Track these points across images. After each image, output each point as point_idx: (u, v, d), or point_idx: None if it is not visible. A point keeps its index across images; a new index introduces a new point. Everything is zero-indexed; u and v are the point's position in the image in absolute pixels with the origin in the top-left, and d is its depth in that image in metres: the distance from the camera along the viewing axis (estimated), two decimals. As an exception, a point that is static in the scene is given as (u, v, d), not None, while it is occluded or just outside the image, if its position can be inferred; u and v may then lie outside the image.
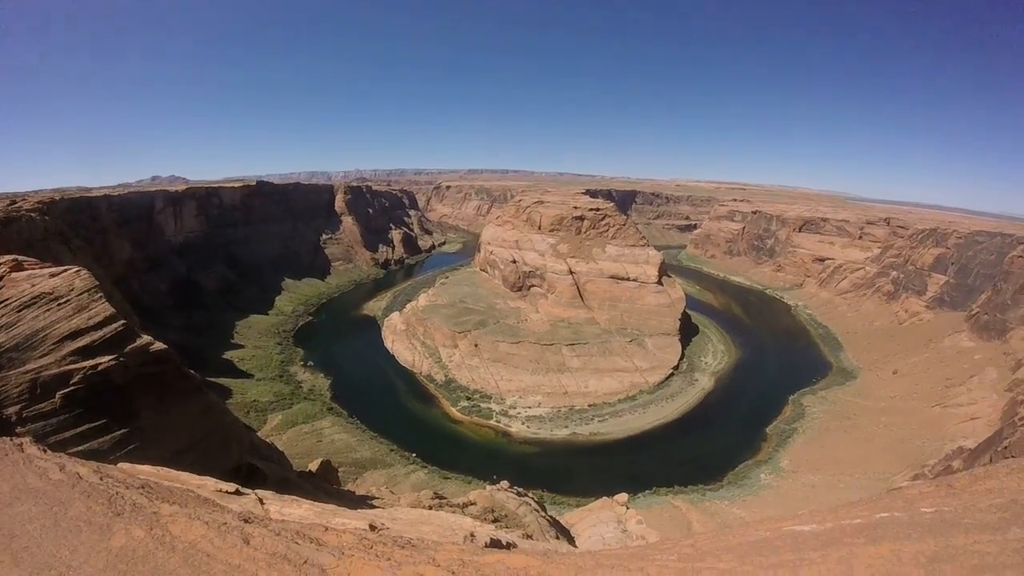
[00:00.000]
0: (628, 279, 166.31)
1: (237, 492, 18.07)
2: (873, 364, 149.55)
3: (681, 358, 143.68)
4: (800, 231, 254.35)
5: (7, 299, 24.76)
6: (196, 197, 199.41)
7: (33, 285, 25.81)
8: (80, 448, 23.02)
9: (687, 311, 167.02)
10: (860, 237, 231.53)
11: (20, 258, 29.39)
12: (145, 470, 16.70)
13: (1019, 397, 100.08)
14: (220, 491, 17.64)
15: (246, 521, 11.69)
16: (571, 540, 48.72)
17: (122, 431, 24.94)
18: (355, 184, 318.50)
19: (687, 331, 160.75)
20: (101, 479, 11.68)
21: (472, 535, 18.96)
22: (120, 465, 16.40)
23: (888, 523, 6.93)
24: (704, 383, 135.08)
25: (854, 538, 6.44)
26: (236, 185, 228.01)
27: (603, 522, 51.24)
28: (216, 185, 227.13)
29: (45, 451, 11.48)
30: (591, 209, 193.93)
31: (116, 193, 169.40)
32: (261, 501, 18.70)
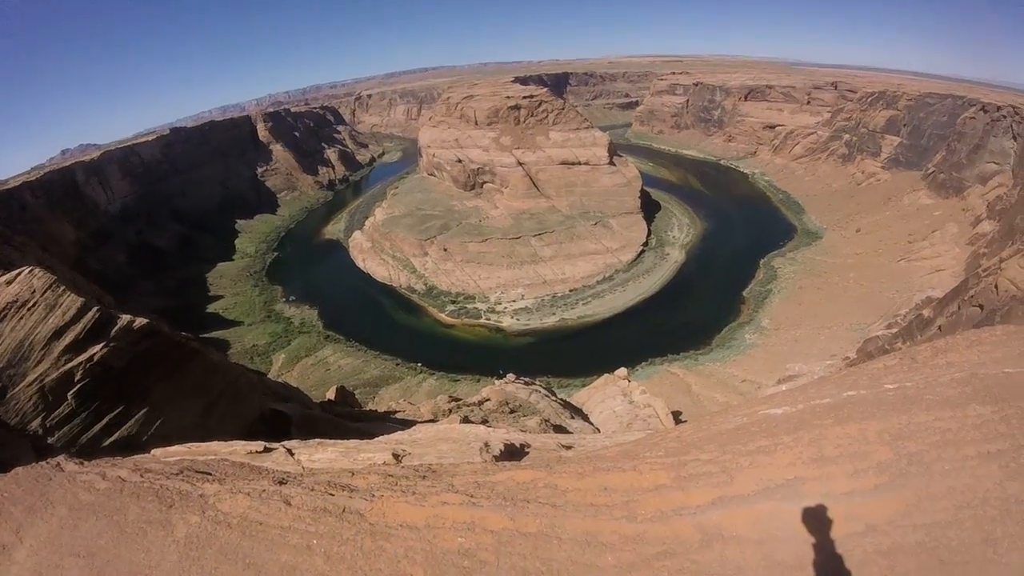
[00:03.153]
0: (580, 163, 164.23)
1: (266, 450, 18.97)
2: (836, 224, 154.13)
3: (649, 235, 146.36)
4: (746, 100, 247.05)
5: (-26, 319, 23.82)
6: (115, 160, 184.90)
7: (-6, 298, 24.63)
8: (113, 438, 23.71)
9: (645, 188, 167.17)
10: (808, 102, 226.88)
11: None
12: (177, 451, 17.42)
13: (980, 249, 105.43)
14: (251, 452, 18.52)
15: (281, 483, 12.52)
16: (585, 418, 53.25)
17: (143, 411, 25.52)
18: (272, 110, 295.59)
19: (649, 208, 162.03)
20: (142, 476, 12.25)
21: (487, 445, 20.54)
22: (153, 452, 17.02)
23: (855, 401, 7.26)
24: (676, 256, 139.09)
25: (823, 419, 6.83)
26: (150, 138, 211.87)
27: (610, 397, 55.73)
28: (130, 143, 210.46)
29: (82, 463, 11.83)
30: (525, 96, 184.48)
31: (34, 178, 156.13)
32: (290, 452, 19.82)
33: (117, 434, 24.34)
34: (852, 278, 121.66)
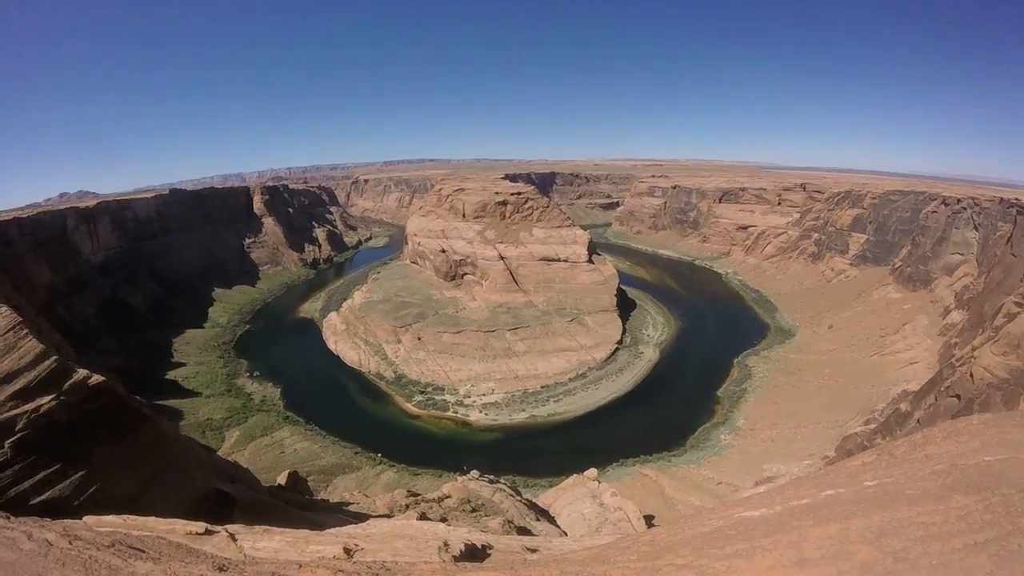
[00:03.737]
0: (559, 260, 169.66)
1: (207, 532, 17.56)
2: (808, 321, 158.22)
3: (623, 333, 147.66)
4: (720, 202, 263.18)
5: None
6: (109, 211, 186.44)
7: (-48, 331, 23.49)
8: (42, 497, 21.46)
9: (622, 287, 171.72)
10: (779, 203, 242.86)
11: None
12: (111, 521, 15.94)
13: (952, 339, 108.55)
14: (190, 533, 17.09)
15: (221, 570, 11.54)
16: (552, 520, 50.21)
17: (79, 474, 23.37)
18: (272, 184, 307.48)
19: (625, 306, 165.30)
20: (71, 543, 11.20)
21: (446, 544, 19.34)
22: (85, 519, 15.55)
23: (834, 501, 7.25)
24: (650, 355, 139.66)
25: (802, 520, 6.74)
26: (148, 195, 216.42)
27: (579, 499, 53.11)
28: (128, 197, 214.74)
29: (8, 518, 10.88)
30: (513, 193, 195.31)
31: (25, 215, 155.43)
32: (233, 537, 18.30)
33: (48, 493, 22.11)
34: (827, 375, 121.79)
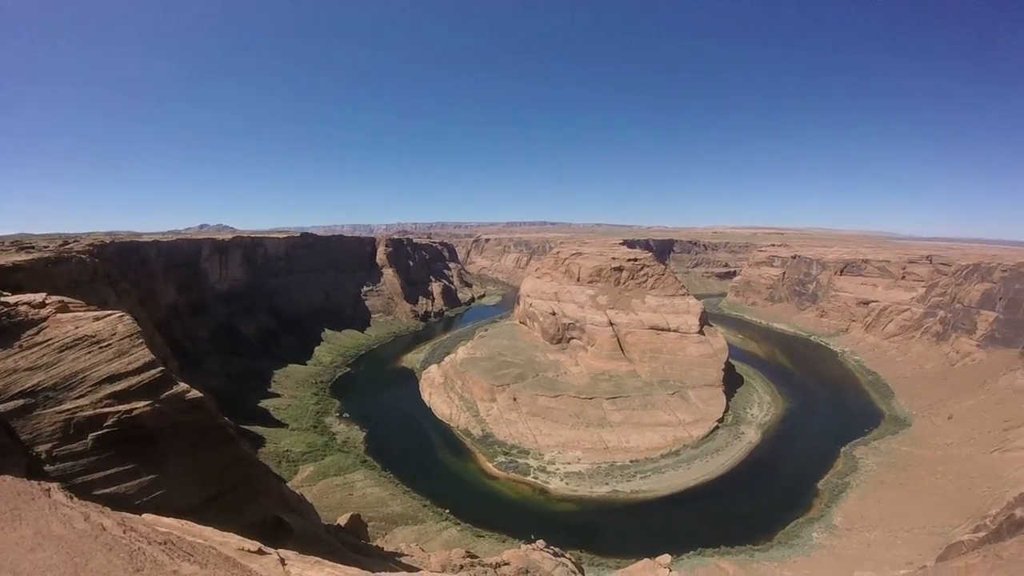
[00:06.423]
0: (669, 329, 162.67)
1: (260, 552, 17.48)
2: (926, 410, 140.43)
3: (726, 410, 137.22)
4: (841, 274, 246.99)
5: (50, 339, 25.74)
6: (242, 246, 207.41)
7: (77, 327, 26.81)
8: (106, 491, 22.92)
9: (730, 361, 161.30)
10: (903, 277, 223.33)
11: (66, 300, 30.81)
12: (169, 523, 16.44)
13: None
14: (243, 549, 17.10)
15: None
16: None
17: (150, 477, 24.81)
18: (396, 237, 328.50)
19: (731, 382, 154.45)
20: (124, 532, 11.51)
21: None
22: (144, 516, 16.19)
23: None
24: (750, 436, 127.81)
25: None
26: (281, 236, 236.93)
27: (645, 587, 47.26)
28: (262, 235, 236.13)
29: (72, 498, 11.46)
30: (629, 259, 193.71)
31: (165, 239, 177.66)
32: (283, 562, 18.06)
33: (112, 488, 23.50)
34: (940, 472, 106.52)
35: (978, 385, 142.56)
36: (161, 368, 27.19)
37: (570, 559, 56.86)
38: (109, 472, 23.58)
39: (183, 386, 29.15)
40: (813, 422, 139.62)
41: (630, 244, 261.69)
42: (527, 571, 49.39)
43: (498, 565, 50.08)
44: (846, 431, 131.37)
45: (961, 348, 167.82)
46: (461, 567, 46.75)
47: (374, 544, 58.34)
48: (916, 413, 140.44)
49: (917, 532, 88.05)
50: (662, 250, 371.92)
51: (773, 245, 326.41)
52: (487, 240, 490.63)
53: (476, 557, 52.63)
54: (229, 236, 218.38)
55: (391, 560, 42.17)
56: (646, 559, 55.55)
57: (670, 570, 48.73)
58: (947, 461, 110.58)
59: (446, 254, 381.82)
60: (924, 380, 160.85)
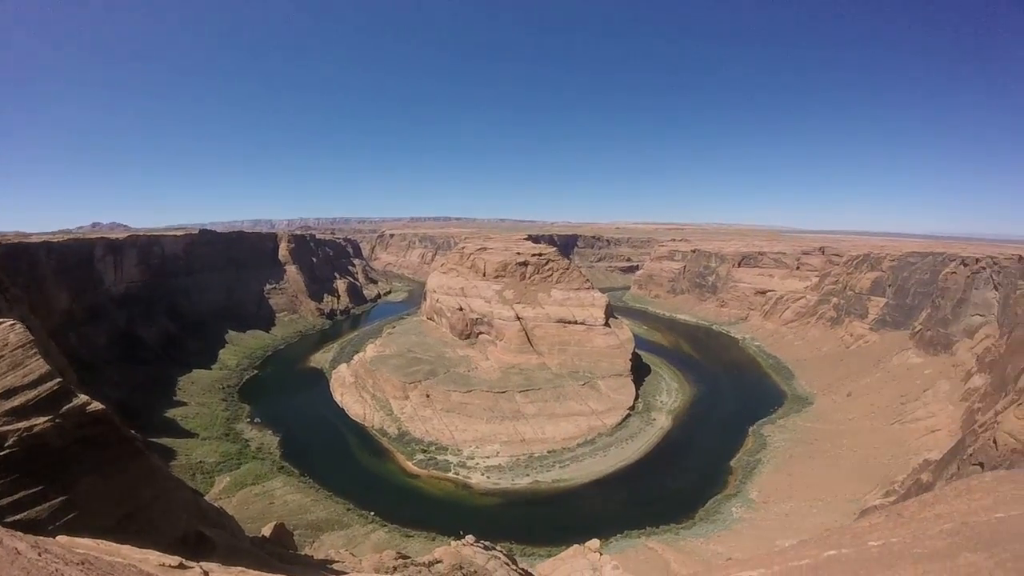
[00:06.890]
0: (576, 322, 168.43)
1: (181, 566, 16.83)
2: (827, 389, 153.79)
3: (636, 398, 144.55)
4: (739, 266, 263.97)
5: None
6: (137, 245, 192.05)
7: (-39, 341, 23.88)
8: (16, 518, 20.70)
9: (637, 351, 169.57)
10: (798, 268, 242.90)
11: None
12: (84, 543, 15.42)
13: (975, 404, 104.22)
14: (163, 565, 16.40)
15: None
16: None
17: (60, 499, 22.64)
18: (299, 233, 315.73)
19: (639, 371, 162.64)
20: (40, 555, 10.87)
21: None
22: (58, 538, 15.05)
23: (836, 561, 6.90)
24: (662, 422, 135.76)
25: None
26: (178, 233, 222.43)
27: (578, 570, 49.69)
28: (158, 233, 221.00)
29: (-22, 526, 10.65)
30: (534, 254, 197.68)
31: (56, 240, 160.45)
32: (206, 574, 17.52)
33: (23, 514, 21.34)
34: (845, 445, 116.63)
35: (873, 364, 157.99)
36: (59, 379, 24.80)
37: (501, 551, 58.07)
38: (17, 496, 21.27)
39: (83, 398, 26.78)
40: (720, 405, 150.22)
41: (535, 239, 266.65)
42: (461, 567, 49.96)
43: (431, 563, 50.25)
44: (752, 412, 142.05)
45: (855, 331, 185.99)
46: (395, 568, 46.42)
47: (303, 553, 56.34)
48: (817, 392, 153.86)
49: (831, 501, 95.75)
50: (566, 245, 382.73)
51: (673, 240, 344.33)
52: (392, 236, 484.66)
53: (408, 557, 52.39)
54: (124, 235, 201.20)
55: (322, 568, 41.19)
56: (576, 545, 58.21)
57: (600, 554, 51.38)
58: (851, 434, 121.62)
59: (350, 250, 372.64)
60: (822, 362, 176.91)
